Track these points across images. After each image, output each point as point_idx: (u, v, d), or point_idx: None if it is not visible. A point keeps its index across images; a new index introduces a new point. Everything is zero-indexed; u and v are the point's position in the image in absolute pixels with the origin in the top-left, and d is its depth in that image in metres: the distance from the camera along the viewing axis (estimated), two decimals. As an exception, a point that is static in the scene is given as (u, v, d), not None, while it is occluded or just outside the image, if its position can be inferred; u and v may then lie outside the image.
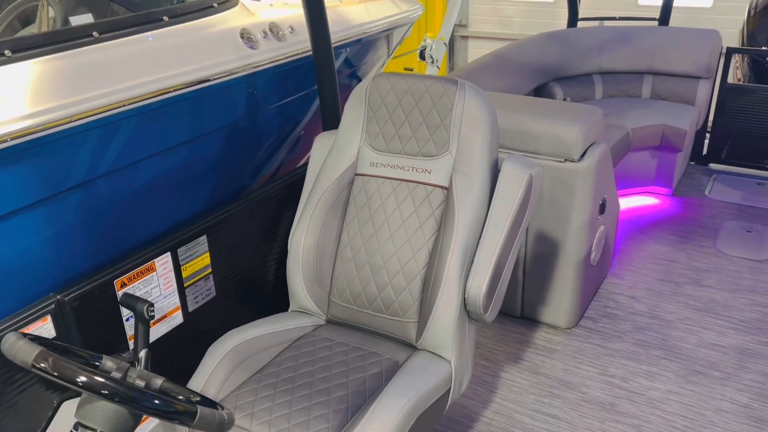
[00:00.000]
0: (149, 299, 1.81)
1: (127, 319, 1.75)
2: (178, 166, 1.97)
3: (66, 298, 1.58)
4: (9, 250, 1.53)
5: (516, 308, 2.61)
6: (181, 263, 1.88)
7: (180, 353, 1.94)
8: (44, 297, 1.57)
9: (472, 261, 1.68)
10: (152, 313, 1.62)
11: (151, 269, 1.80)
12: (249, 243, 2.11)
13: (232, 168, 2.20)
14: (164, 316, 1.87)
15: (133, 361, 1.61)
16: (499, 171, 1.75)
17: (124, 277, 1.72)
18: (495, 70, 3.25)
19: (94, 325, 1.66)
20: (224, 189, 2.17)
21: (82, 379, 0.97)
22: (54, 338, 1.58)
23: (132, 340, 1.77)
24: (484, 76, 3.14)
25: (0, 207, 1.50)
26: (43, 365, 0.98)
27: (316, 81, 2.21)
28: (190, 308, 1.95)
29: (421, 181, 1.78)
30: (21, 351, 1.00)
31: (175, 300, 1.90)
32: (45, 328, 1.55)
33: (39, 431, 1.59)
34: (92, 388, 0.97)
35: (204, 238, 1.95)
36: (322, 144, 2.00)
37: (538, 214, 2.42)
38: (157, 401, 1.01)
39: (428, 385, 1.57)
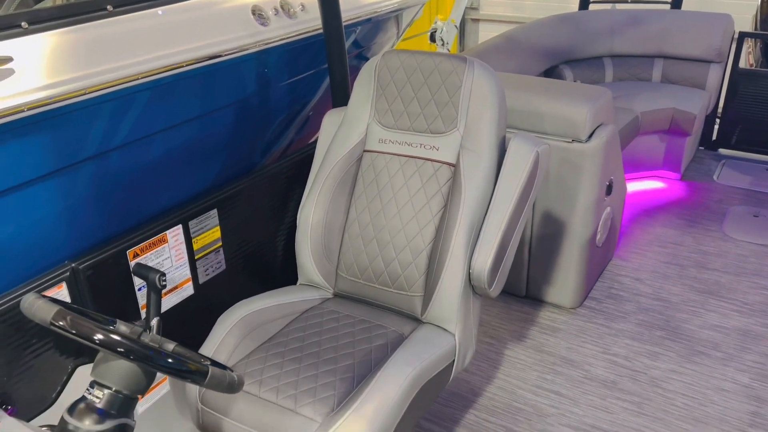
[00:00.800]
0: (162, 269, 1.85)
1: (140, 289, 1.79)
2: (190, 140, 2.00)
3: (80, 267, 1.62)
4: (25, 219, 1.57)
5: (521, 288, 2.64)
6: (192, 236, 1.92)
7: (190, 324, 1.98)
8: (59, 265, 1.61)
9: (478, 237, 1.71)
10: (164, 283, 1.66)
11: (163, 241, 1.83)
12: (259, 218, 2.14)
13: (242, 144, 2.23)
14: (175, 287, 1.91)
15: (146, 329, 1.65)
16: (507, 149, 1.77)
17: (136, 248, 1.76)
18: (505, 52, 3.25)
19: (107, 293, 1.70)
20: (235, 165, 2.20)
21: (99, 336, 1.00)
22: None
23: (144, 310, 1.81)
24: (493, 57, 3.15)
25: (16, 177, 1.53)
26: (61, 323, 1.01)
27: (327, 59, 2.23)
28: (201, 280, 1.99)
29: (428, 158, 1.80)
30: (40, 309, 1.04)
31: (186, 271, 1.93)
32: (60, 294, 1.60)
33: (54, 395, 1.64)
34: (109, 346, 1.01)
35: (215, 211, 1.98)
36: (331, 121, 2.02)
37: (544, 194, 2.44)
38: (170, 360, 1.04)
39: (432, 357, 1.60)
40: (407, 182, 1.81)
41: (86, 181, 1.71)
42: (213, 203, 1.97)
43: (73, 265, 1.61)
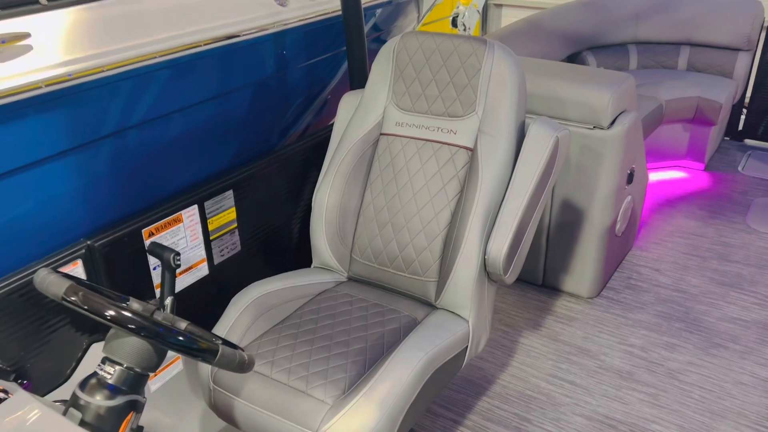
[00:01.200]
0: (177, 249, 1.86)
1: (155, 268, 1.80)
2: (207, 120, 2.00)
3: (96, 244, 1.63)
4: (42, 196, 1.58)
5: (538, 276, 2.61)
6: (207, 216, 1.92)
7: (204, 304, 1.99)
8: (75, 242, 1.62)
9: (494, 222, 1.69)
10: (178, 262, 1.66)
11: (178, 221, 1.84)
12: (274, 200, 2.13)
13: (259, 125, 2.22)
14: (190, 267, 1.92)
15: (160, 307, 1.66)
16: (526, 134, 1.74)
17: (152, 227, 1.76)
18: (527, 37, 3.19)
19: (122, 271, 1.71)
20: (252, 146, 2.20)
21: (111, 312, 1.00)
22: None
23: (159, 289, 1.82)
24: (515, 42, 3.10)
25: (33, 154, 1.54)
26: (73, 298, 1.01)
27: (346, 40, 2.20)
28: (216, 261, 1.99)
29: (446, 142, 1.78)
30: (52, 284, 1.04)
31: (201, 252, 1.94)
32: (75, 272, 1.61)
33: (69, 371, 1.66)
34: (120, 322, 1.01)
35: (230, 192, 1.98)
36: (348, 103, 2.00)
37: (563, 181, 2.41)
38: (181, 338, 1.04)
39: (445, 342, 1.59)
40: (423, 166, 1.79)
41: (103, 159, 1.71)
42: (229, 184, 1.97)
43: (89, 242, 1.62)
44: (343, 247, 1.89)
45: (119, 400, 1.09)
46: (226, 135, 2.08)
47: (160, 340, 1.03)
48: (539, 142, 1.69)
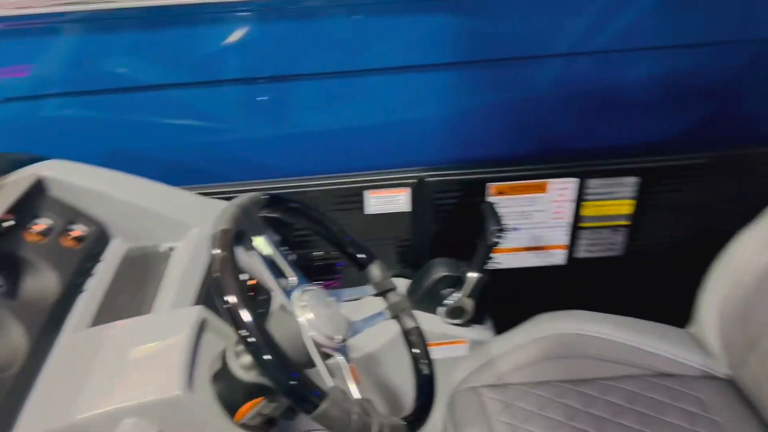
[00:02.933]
0: (529, 221, 1.48)
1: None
2: (667, 73, 1.43)
3: (428, 179, 1.40)
4: (398, 106, 1.40)
5: None
6: (584, 197, 1.45)
7: (546, 294, 1.58)
8: (410, 167, 1.42)
9: None
10: (496, 240, 1.30)
11: (541, 188, 1.43)
12: (690, 213, 1.48)
13: (739, 101, 1.50)
14: (541, 247, 1.52)
15: (462, 275, 1.35)
16: None
17: (502, 185, 1.42)
18: None
19: (449, 220, 1.46)
20: (695, 129, 1.51)
21: (231, 298, 0.75)
22: (408, 213, 1.45)
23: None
24: None
25: (413, 57, 1.35)
26: (217, 251, 0.79)
27: None
28: (579, 254, 1.53)
29: None
30: (223, 216, 0.83)
31: (562, 236, 1.51)
32: (400, 198, 1.43)
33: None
34: (232, 317, 0.75)
35: (635, 180, 1.44)
36: None
37: None
38: (288, 380, 0.74)
39: None
40: None
41: (496, 84, 1.39)
42: (635, 168, 1.42)
43: (422, 174, 1.40)
44: (740, 334, 1.16)
45: (252, 376, 0.89)
46: (680, 98, 1.46)
47: (260, 365, 0.75)
48: None
